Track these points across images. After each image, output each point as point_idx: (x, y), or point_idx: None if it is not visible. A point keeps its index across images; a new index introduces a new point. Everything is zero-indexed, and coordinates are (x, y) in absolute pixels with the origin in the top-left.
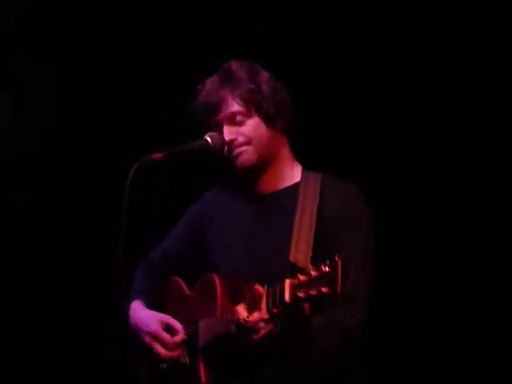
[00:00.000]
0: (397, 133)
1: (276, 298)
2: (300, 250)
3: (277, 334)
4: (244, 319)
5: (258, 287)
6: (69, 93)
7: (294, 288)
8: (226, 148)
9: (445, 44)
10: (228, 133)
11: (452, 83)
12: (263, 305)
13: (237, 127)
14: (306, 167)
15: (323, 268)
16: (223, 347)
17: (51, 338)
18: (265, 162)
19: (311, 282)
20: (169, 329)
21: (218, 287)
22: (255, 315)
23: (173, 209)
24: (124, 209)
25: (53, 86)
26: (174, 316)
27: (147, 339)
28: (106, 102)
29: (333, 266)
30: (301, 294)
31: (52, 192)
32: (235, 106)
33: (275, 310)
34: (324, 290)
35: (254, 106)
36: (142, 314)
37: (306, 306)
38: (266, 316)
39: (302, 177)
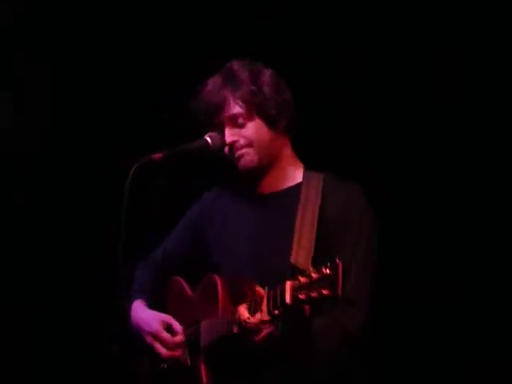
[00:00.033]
0: (397, 133)
1: (277, 299)
2: (301, 251)
3: (278, 336)
4: (245, 320)
5: (259, 289)
6: (69, 93)
7: (295, 290)
8: (228, 149)
9: (445, 44)
10: (229, 135)
11: (452, 83)
12: (264, 306)
13: (238, 129)
14: (308, 167)
15: (324, 270)
16: (224, 348)
17: (51, 338)
18: (267, 163)
19: (312, 284)
20: (170, 329)
21: (220, 288)
22: (256, 317)
23: (173, 209)
24: (124, 209)
25: (53, 86)
26: (175, 316)
27: (149, 339)
28: (106, 102)
29: (334, 268)
30: (302, 296)
31: (52, 192)
32: (236, 108)
33: (276, 312)
34: (325, 292)
35: (255, 108)
36: (143, 314)
37: (307, 307)
38: (266, 318)
39: (303, 177)
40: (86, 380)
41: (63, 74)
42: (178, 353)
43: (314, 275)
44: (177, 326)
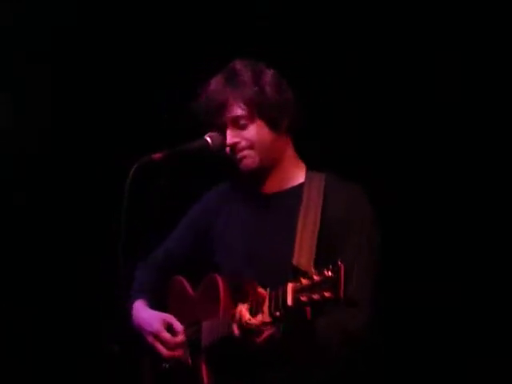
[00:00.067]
0: (398, 133)
1: (278, 301)
2: (303, 252)
3: (279, 338)
4: (246, 322)
5: (261, 290)
6: (69, 93)
7: (297, 292)
8: (229, 150)
9: (445, 44)
10: (231, 136)
11: (452, 83)
12: (266, 308)
13: (240, 131)
14: (310, 166)
15: (326, 273)
16: (226, 349)
17: (51, 338)
18: (268, 164)
19: (314, 287)
20: (171, 328)
21: (221, 288)
22: (258, 318)
23: (173, 209)
24: (124, 209)
25: (53, 86)
26: (177, 315)
27: (150, 339)
28: (106, 102)
29: (336, 271)
30: (303, 298)
31: (52, 192)
32: (238, 110)
33: (278, 314)
34: (327, 294)
35: (257, 110)
36: (144, 314)
37: (308, 309)
38: (268, 319)
39: (306, 177)
40: (86, 380)
41: (63, 74)
42: (178, 353)
43: (315, 277)
44: (177, 325)
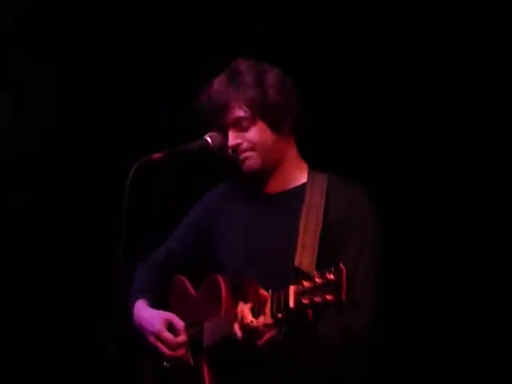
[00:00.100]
0: (398, 133)
1: (280, 303)
2: (305, 253)
3: (280, 340)
4: (248, 323)
5: (263, 291)
6: (69, 93)
7: (299, 294)
8: (231, 152)
9: (445, 44)
10: (233, 138)
11: (452, 83)
12: (268, 310)
13: (241, 132)
14: (312, 166)
15: (328, 275)
16: (227, 350)
17: (51, 338)
18: (270, 166)
19: (316, 289)
20: (172, 327)
21: (223, 289)
22: (260, 319)
23: (173, 209)
24: (124, 209)
25: (53, 86)
26: (178, 315)
27: (151, 339)
28: (106, 102)
29: (338, 274)
30: (305, 301)
31: (52, 192)
32: (240, 112)
33: (279, 316)
34: (329, 297)
35: (259, 112)
36: (145, 314)
37: (310, 312)
38: (270, 321)
39: (308, 178)
40: (85, 380)
41: (63, 74)
42: (180, 353)
43: (317, 280)
44: (178, 322)
